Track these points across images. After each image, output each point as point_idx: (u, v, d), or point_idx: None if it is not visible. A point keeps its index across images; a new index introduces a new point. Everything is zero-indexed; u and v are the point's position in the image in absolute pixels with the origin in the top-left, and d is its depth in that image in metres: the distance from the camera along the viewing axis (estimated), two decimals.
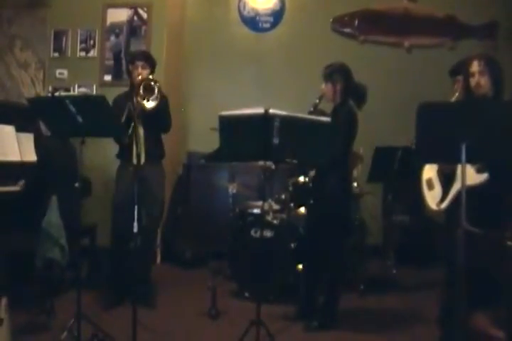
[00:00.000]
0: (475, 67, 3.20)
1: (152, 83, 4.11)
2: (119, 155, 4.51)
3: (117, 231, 4.39)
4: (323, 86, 4.08)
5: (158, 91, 4.11)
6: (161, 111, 4.22)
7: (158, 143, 4.55)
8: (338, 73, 4.03)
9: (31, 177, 4.17)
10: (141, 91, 4.10)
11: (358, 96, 4.08)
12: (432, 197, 3.39)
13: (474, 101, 3.16)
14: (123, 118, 3.97)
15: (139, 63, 4.39)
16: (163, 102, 4.26)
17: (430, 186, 3.44)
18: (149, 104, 4.11)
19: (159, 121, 4.34)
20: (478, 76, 3.18)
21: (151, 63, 4.45)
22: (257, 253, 4.44)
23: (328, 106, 4.14)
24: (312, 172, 4.50)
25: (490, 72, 3.18)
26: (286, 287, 4.57)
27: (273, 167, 4.45)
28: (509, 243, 3.33)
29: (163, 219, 5.98)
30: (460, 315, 2.79)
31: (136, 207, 3.46)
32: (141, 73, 4.34)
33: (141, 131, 4.22)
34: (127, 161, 4.30)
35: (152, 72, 4.44)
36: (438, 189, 3.38)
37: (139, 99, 4.10)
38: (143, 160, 4.21)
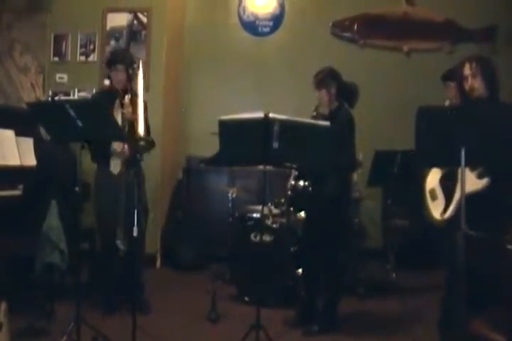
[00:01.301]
0: (467, 70, 3.20)
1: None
2: (95, 159, 4.43)
3: (104, 236, 4.42)
4: (317, 94, 4.09)
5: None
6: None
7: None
8: (329, 78, 4.05)
9: (31, 182, 4.17)
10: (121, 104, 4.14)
11: (350, 96, 4.10)
12: (436, 208, 3.39)
13: (473, 104, 3.16)
14: None
15: (119, 66, 4.31)
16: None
17: (433, 197, 3.45)
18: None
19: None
20: (471, 79, 3.18)
21: (130, 65, 4.36)
22: (256, 257, 4.44)
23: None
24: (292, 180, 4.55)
25: (482, 73, 3.17)
26: (285, 291, 4.56)
27: (292, 182, 4.56)
28: (509, 246, 3.33)
29: (163, 223, 5.99)
30: (460, 319, 2.79)
31: (135, 211, 3.45)
32: (121, 76, 4.29)
33: None
34: (106, 167, 4.31)
35: (133, 73, 4.36)
36: (441, 199, 3.38)
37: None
38: (119, 165, 4.23)
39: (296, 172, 4.51)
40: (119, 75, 4.31)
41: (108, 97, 4.27)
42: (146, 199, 4.49)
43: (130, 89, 4.23)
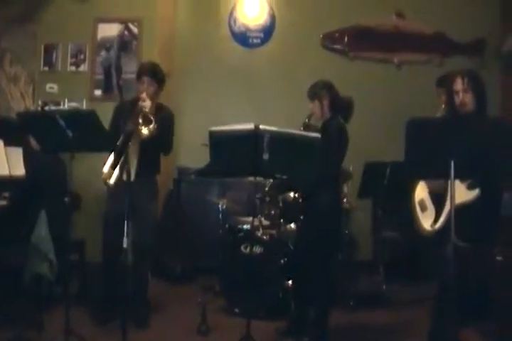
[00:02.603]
0: (459, 85, 3.21)
1: (150, 116, 3.97)
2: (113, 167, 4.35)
3: (107, 246, 4.33)
4: (310, 105, 4.10)
5: (154, 122, 3.95)
6: (158, 138, 4.08)
7: (155, 158, 4.42)
8: (322, 90, 4.06)
9: (20, 192, 4.15)
10: (139, 119, 3.95)
11: (344, 110, 4.11)
12: (426, 218, 3.39)
13: (463, 117, 3.18)
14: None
15: (146, 79, 4.24)
16: (164, 127, 4.13)
17: (423, 207, 3.45)
18: (145, 131, 3.96)
19: (157, 146, 4.23)
20: (463, 94, 3.19)
21: (158, 79, 4.29)
22: (247, 269, 4.42)
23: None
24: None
25: (473, 88, 3.20)
26: (276, 302, 4.54)
27: (266, 188, 4.63)
28: (499, 258, 3.34)
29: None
30: (450, 330, 2.79)
31: (126, 222, 3.43)
32: (147, 91, 4.19)
33: (135, 149, 4.12)
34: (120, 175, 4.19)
35: (160, 88, 4.31)
36: (431, 210, 3.38)
37: (137, 125, 3.95)
38: (133, 176, 4.19)
39: (271, 180, 4.53)
40: (142, 88, 4.23)
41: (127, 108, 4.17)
42: (153, 214, 4.46)
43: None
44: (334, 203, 4.02)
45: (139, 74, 4.32)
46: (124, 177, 4.16)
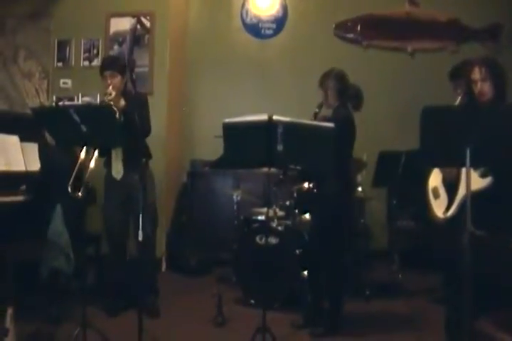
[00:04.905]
0: (477, 74, 3.16)
1: (113, 107, 3.90)
2: (105, 164, 4.46)
3: (111, 240, 4.46)
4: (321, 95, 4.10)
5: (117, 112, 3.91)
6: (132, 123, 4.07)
7: (140, 147, 4.34)
8: (329, 78, 4.04)
9: (36, 187, 4.18)
10: None
11: (353, 99, 4.08)
12: (439, 206, 3.38)
13: (478, 105, 3.14)
14: None
15: (107, 73, 4.28)
16: (134, 111, 4.11)
17: (436, 195, 3.43)
18: None
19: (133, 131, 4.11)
20: (481, 83, 3.14)
21: (119, 69, 4.31)
22: (262, 260, 4.43)
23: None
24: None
25: (492, 77, 3.14)
26: (291, 293, 4.55)
27: (281, 176, 4.56)
28: None
29: (168, 226, 5.98)
30: (466, 319, 2.78)
31: (140, 215, 3.45)
32: (112, 83, 4.22)
33: None
34: (110, 170, 4.36)
35: (123, 77, 4.32)
36: (444, 197, 3.36)
37: None
38: (122, 170, 4.26)
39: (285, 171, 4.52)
40: (106, 83, 4.26)
41: None
42: (155, 205, 4.49)
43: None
44: (342, 192, 4.00)
45: (101, 71, 4.35)
46: (114, 172, 4.26)
